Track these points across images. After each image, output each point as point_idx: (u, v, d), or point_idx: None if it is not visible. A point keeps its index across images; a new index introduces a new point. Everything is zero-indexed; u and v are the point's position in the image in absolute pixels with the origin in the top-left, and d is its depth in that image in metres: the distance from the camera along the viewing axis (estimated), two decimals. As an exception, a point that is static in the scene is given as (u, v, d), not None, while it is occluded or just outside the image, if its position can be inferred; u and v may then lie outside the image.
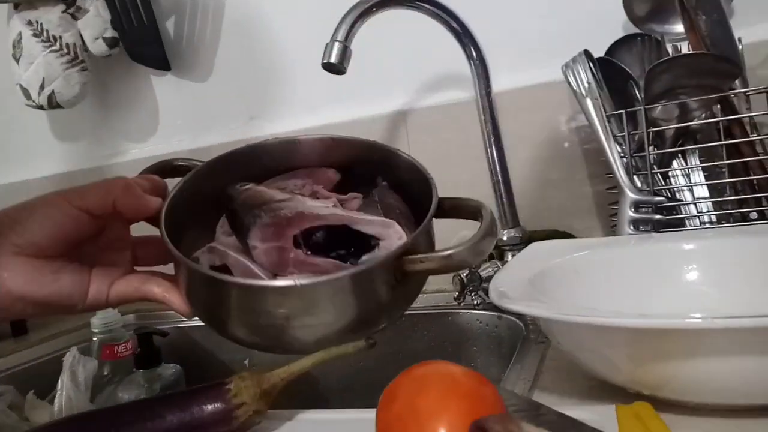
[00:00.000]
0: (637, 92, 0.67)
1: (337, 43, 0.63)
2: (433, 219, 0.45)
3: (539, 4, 0.84)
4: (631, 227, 0.64)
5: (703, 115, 0.65)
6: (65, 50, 1.03)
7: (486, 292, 0.73)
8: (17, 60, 1.06)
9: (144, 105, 1.12)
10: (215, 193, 0.49)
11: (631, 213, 0.64)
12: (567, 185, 0.84)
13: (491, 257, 0.78)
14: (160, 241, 0.47)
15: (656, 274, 0.55)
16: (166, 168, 0.51)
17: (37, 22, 1.04)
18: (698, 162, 0.66)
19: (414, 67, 0.91)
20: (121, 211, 0.44)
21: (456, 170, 0.85)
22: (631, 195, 0.64)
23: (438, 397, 0.33)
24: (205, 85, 1.07)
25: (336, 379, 0.85)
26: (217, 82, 1.06)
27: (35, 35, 1.04)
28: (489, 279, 0.72)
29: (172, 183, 0.49)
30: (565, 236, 0.78)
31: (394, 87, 0.92)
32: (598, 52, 0.71)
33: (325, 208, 0.45)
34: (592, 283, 0.54)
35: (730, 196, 0.64)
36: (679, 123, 0.65)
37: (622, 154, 0.67)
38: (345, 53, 0.63)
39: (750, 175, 0.63)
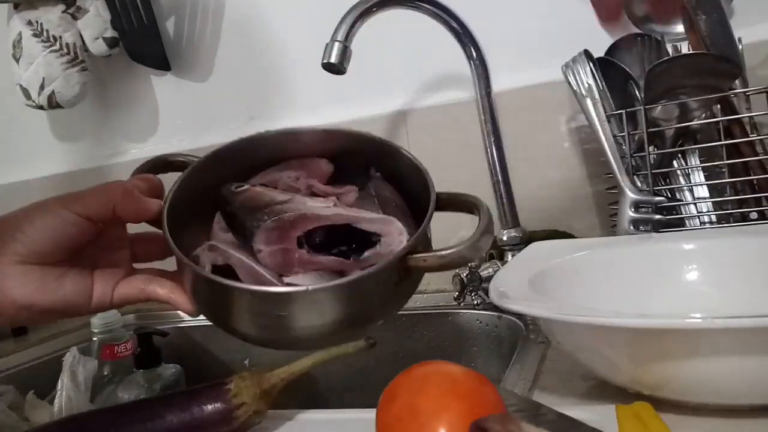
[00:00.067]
0: (637, 92, 0.67)
1: (337, 43, 0.63)
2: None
3: (539, 4, 0.84)
4: (631, 227, 0.64)
5: (703, 115, 0.65)
6: (65, 50, 1.03)
7: (486, 292, 0.73)
8: (17, 60, 1.06)
9: (144, 105, 1.12)
10: (212, 188, 0.49)
11: (631, 213, 0.64)
12: (567, 185, 0.84)
13: (491, 257, 0.78)
14: (157, 237, 0.47)
15: (656, 274, 0.55)
16: (159, 164, 0.51)
17: (37, 22, 1.04)
18: (698, 162, 0.66)
19: (414, 67, 0.91)
20: (121, 216, 0.44)
21: (456, 170, 0.85)
22: (631, 195, 0.64)
23: (438, 397, 0.33)
24: (205, 85, 1.07)
25: (336, 379, 0.85)
26: (217, 82, 1.06)
27: (35, 35, 1.04)
28: (489, 279, 0.72)
29: (166, 179, 0.49)
30: (565, 236, 0.78)
31: (394, 87, 0.92)
32: (598, 52, 0.71)
33: (326, 208, 0.45)
34: (592, 283, 0.54)
35: (730, 196, 0.64)
36: (679, 123, 0.65)
37: (622, 154, 0.67)
38: (345, 53, 0.63)
39: (750, 175, 0.63)
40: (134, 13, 1.02)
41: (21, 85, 1.06)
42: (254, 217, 0.44)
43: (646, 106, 0.64)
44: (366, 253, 0.44)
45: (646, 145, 0.65)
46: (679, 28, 0.69)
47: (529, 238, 0.75)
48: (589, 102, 0.68)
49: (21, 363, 0.85)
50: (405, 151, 0.49)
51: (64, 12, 1.04)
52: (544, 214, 0.84)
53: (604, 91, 0.68)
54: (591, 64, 0.68)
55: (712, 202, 0.64)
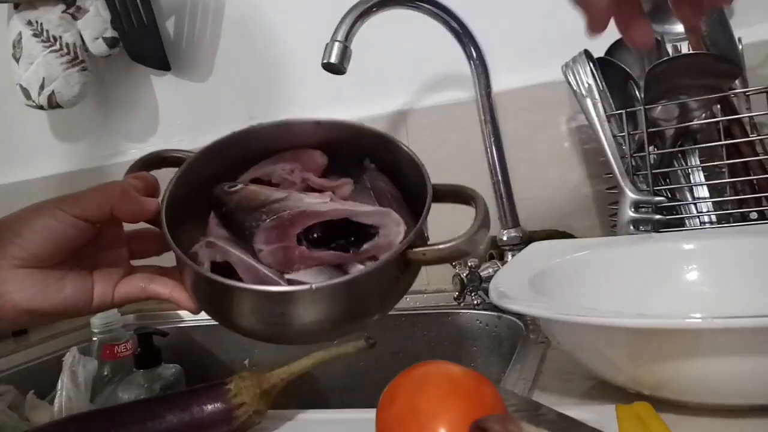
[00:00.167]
0: (637, 92, 0.67)
1: (337, 43, 0.63)
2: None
3: (539, 4, 0.84)
4: (631, 227, 0.64)
5: (703, 115, 0.65)
6: (65, 50, 1.03)
7: (486, 292, 0.73)
8: (17, 60, 1.06)
9: (144, 105, 1.12)
10: (208, 183, 0.49)
11: (631, 213, 0.64)
12: (567, 185, 0.84)
13: (491, 257, 0.78)
14: (153, 233, 0.47)
15: (656, 274, 0.55)
16: (154, 161, 0.51)
17: (37, 22, 1.04)
18: (698, 162, 0.66)
19: (414, 67, 0.91)
20: (119, 217, 0.44)
21: (456, 170, 0.85)
22: (631, 195, 0.64)
23: (438, 397, 0.33)
24: (205, 85, 1.07)
25: (336, 379, 0.85)
26: (217, 82, 1.06)
27: (35, 35, 1.04)
28: (489, 279, 0.72)
29: (161, 175, 0.49)
30: (565, 236, 0.78)
31: (394, 87, 0.92)
32: (598, 52, 0.71)
33: (323, 203, 0.45)
34: (592, 283, 0.54)
35: (730, 196, 0.64)
36: (679, 123, 0.65)
37: (622, 154, 0.67)
38: (345, 53, 0.63)
39: (750, 175, 0.63)
40: (134, 13, 1.02)
41: (21, 85, 1.06)
42: (252, 217, 0.44)
43: (646, 106, 0.64)
44: (365, 246, 0.45)
45: (646, 145, 0.65)
46: (679, 28, 0.69)
47: (529, 238, 0.75)
48: (589, 102, 0.68)
49: (21, 363, 0.85)
50: (400, 143, 0.49)
51: (64, 12, 1.04)
52: (544, 214, 0.84)
53: (604, 91, 0.68)
54: (591, 64, 0.68)
55: (712, 202, 0.64)
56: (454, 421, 0.31)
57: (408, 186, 0.49)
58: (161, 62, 1.05)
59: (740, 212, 0.63)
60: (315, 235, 0.44)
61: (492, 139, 0.77)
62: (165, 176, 0.48)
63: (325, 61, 0.63)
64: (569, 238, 0.77)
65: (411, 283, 0.47)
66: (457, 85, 0.87)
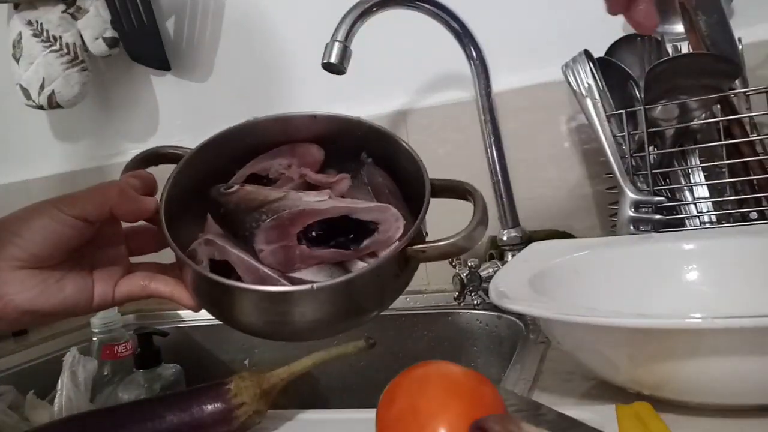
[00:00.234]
0: (637, 92, 0.67)
1: (337, 43, 0.63)
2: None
3: (539, 4, 0.84)
4: (631, 227, 0.64)
5: (703, 115, 0.65)
6: (65, 50, 1.03)
7: (486, 292, 0.73)
8: (17, 60, 1.06)
9: (144, 105, 1.12)
10: (205, 179, 0.49)
11: (631, 213, 0.64)
12: (567, 185, 0.84)
13: (491, 257, 0.78)
14: (151, 230, 0.47)
15: (656, 274, 0.55)
16: (151, 158, 0.51)
17: (37, 22, 1.04)
18: (698, 162, 0.66)
19: (414, 67, 0.91)
20: (118, 216, 0.44)
21: (456, 170, 0.85)
22: (631, 195, 0.64)
23: (438, 397, 0.33)
24: (205, 85, 1.07)
25: (336, 379, 0.85)
26: (217, 82, 1.06)
27: (35, 35, 1.04)
28: (489, 279, 0.72)
29: (159, 172, 0.49)
30: (565, 236, 0.78)
31: (394, 87, 0.92)
32: (598, 52, 0.71)
33: (322, 201, 0.45)
34: (592, 283, 0.54)
35: (730, 196, 0.64)
36: (679, 123, 0.65)
37: (622, 154, 0.67)
38: (345, 53, 0.63)
39: (750, 175, 0.63)
40: (134, 13, 1.02)
41: (21, 85, 1.06)
42: (252, 217, 0.44)
43: (646, 106, 0.64)
44: (365, 242, 0.45)
45: (646, 145, 0.65)
46: (679, 28, 0.69)
47: (529, 238, 0.75)
48: (589, 102, 0.68)
49: (21, 363, 0.85)
50: (398, 138, 0.49)
51: (64, 12, 1.04)
52: (544, 214, 0.84)
53: (604, 91, 0.68)
54: (591, 64, 0.68)
55: (712, 202, 0.64)
56: (454, 421, 0.31)
57: (406, 179, 0.49)
58: (161, 62, 1.05)
59: (740, 212, 0.63)
60: (314, 234, 0.44)
61: (492, 139, 0.77)
62: (163, 173, 0.48)
63: (325, 61, 0.63)
64: (569, 238, 0.77)
65: (410, 279, 0.47)
66: (457, 85, 0.87)
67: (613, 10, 0.42)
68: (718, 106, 0.64)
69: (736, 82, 0.64)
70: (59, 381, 0.66)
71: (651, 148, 0.66)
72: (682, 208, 0.65)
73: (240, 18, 1.03)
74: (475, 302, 0.75)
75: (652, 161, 0.66)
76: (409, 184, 0.49)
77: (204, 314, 0.47)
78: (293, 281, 0.44)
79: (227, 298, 0.44)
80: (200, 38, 1.05)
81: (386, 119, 0.92)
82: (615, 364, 0.42)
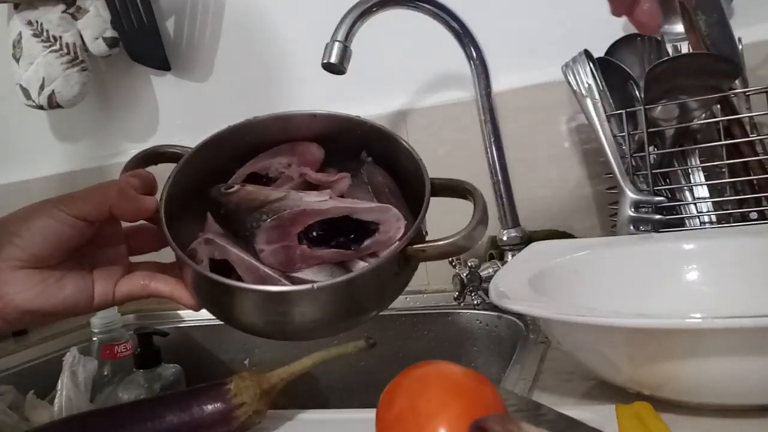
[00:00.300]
0: (637, 92, 0.67)
1: (337, 43, 0.63)
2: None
3: (539, 4, 0.84)
4: (631, 227, 0.64)
5: (703, 115, 0.65)
6: (65, 50, 1.03)
7: (486, 292, 0.73)
8: (17, 60, 1.06)
9: (144, 105, 1.12)
10: (206, 178, 0.49)
11: (631, 213, 0.64)
12: (567, 185, 0.84)
13: (491, 257, 0.78)
14: (150, 230, 0.47)
15: (656, 274, 0.55)
16: (150, 157, 0.51)
17: (37, 22, 1.04)
18: (698, 162, 0.66)
19: (414, 67, 0.91)
20: (117, 216, 0.44)
21: (456, 170, 0.85)
22: (631, 195, 0.64)
23: (438, 397, 0.33)
24: (205, 85, 1.07)
25: (336, 379, 0.85)
26: (217, 82, 1.06)
27: (35, 35, 1.04)
28: (489, 279, 0.72)
29: (158, 171, 0.49)
30: (565, 236, 0.78)
31: (394, 87, 0.92)
32: (598, 52, 0.71)
33: (323, 201, 0.45)
34: (592, 283, 0.54)
35: (730, 196, 0.64)
36: (679, 123, 0.65)
37: (622, 154, 0.67)
38: (345, 53, 0.63)
39: (750, 175, 0.63)
40: (134, 13, 1.02)
41: (21, 85, 1.07)
42: (252, 217, 0.44)
43: (646, 106, 0.64)
44: (366, 242, 0.45)
45: (646, 145, 0.65)
46: (679, 28, 0.69)
47: (529, 238, 0.75)
48: (589, 102, 0.68)
49: (21, 363, 0.85)
50: (397, 136, 0.49)
51: (64, 12, 1.04)
52: (544, 214, 0.84)
53: (604, 91, 0.68)
54: (591, 64, 0.68)
55: (712, 202, 0.64)
56: (454, 421, 0.31)
57: (406, 179, 0.49)
58: (161, 62, 1.05)
59: (740, 212, 0.63)
60: (315, 234, 0.44)
61: (492, 139, 0.77)
62: (162, 172, 0.48)
63: (325, 61, 0.63)
64: (569, 238, 0.77)
65: (410, 278, 0.47)
66: (457, 85, 0.87)
67: (617, 11, 0.42)
68: (718, 106, 0.64)
69: (736, 82, 0.64)
70: (59, 381, 0.66)
71: (651, 148, 0.66)
72: (682, 208, 0.65)
73: (240, 18, 1.03)
74: (475, 302, 0.74)
75: (652, 161, 0.66)
76: (409, 183, 0.49)
77: (204, 314, 0.47)
78: (293, 281, 0.44)
79: (227, 298, 0.44)
80: (200, 38, 1.05)
81: (386, 119, 0.92)
82: (615, 364, 0.42)
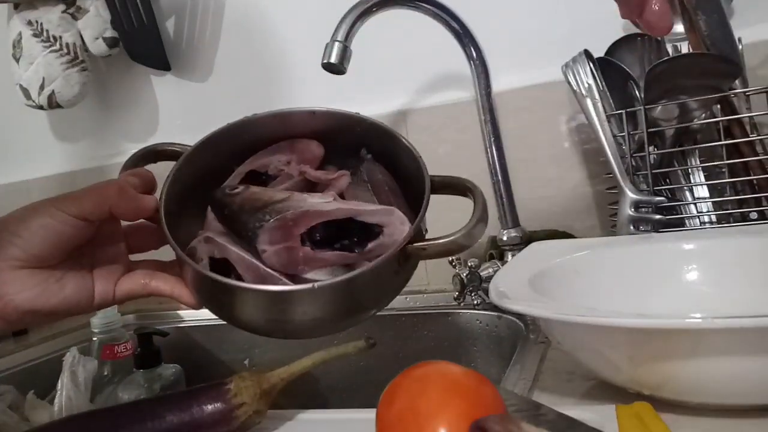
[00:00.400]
0: (637, 92, 0.67)
1: (337, 43, 0.63)
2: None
3: (539, 4, 0.84)
4: (631, 227, 0.64)
5: (703, 115, 0.65)
6: (65, 50, 1.03)
7: (486, 292, 0.73)
8: (17, 60, 1.06)
9: (144, 105, 1.12)
10: (206, 176, 0.49)
11: (631, 213, 0.64)
12: (567, 185, 0.84)
13: (491, 257, 0.78)
14: (151, 228, 0.47)
15: (656, 274, 0.55)
16: (149, 156, 0.51)
17: (37, 22, 1.04)
18: (698, 162, 0.66)
19: (414, 67, 0.91)
20: (117, 215, 0.44)
21: (456, 170, 0.85)
22: (631, 195, 0.64)
23: (438, 397, 0.33)
24: (205, 85, 1.07)
25: (336, 379, 0.85)
26: (217, 82, 1.06)
27: (35, 35, 1.04)
28: (489, 279, 0.72)
29: (158, 170, 0.49)
30: (565, 236, 0.78)
31: (394, 87, 0.92)
32: (598, 52, 0.71)
33: (327, 203, 0.45)
34: (592, 283, 0.54)
35: (730, 196, 0.64)
36: (679, 123, 0.65)
37: (622, 154, 0.67)
38: (345, 53, 0.63)
39: (750, 175, 0.63)
40: (134, 13, 1.02)
41: (21, 85, 1.06)
42: (255, 217, 0.44)
43: (646, 106, 0.64)
44: (370, 245, 0.45)
45: (646, 145, 0.65)
46: (679, 28, 0.69)
47: (529, 238, 0.75)
48: (589, 102, 0.68)
49: (21, 363, 0.85)
50: (397, 134, 0.49)
51: (64, 12, 1.04)
52: (544, 214, 0.84)
53: (604, 91, 0.68)
54: (591, 64, 0.68)
55: (712, 202, 0.64)
56: (454, 421, 0.31)
57: (406, 176, 0.49)
58: (161, 62, 1.05)
59: (740, 212, 0.63)
60: (318, 236, 0.44)
61: (492, 139, 0.77)
62: (162, 171, 0.48)
63: (325, 61, 0.63)
64: (569, 238, 0.77)
65: (410, 276, 0.47)
66: (457, 85, 0.87)
67: (626, 15, 0.42)
68: (718, 106, 0.64)
69: (736, 82, 0.64)
70: (59, 381, 0.66)
71: (651, 148, 0.66)
72: (682, 208, 0.65)
73: (240, 18, 1.03)
74: (475, 302, 0.74)
75: (652, 161, 0.66)
76: (409, 181, 0.49)
77: (204, 314, 0.47)
78: (293, 279, 0.44)
79: (227, 297, 0.44)
80: (200, 38, 1.05)
81: (386, 119, 0.92)
82: (615, 364, 0.42)
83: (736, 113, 0.63)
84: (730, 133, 0.64)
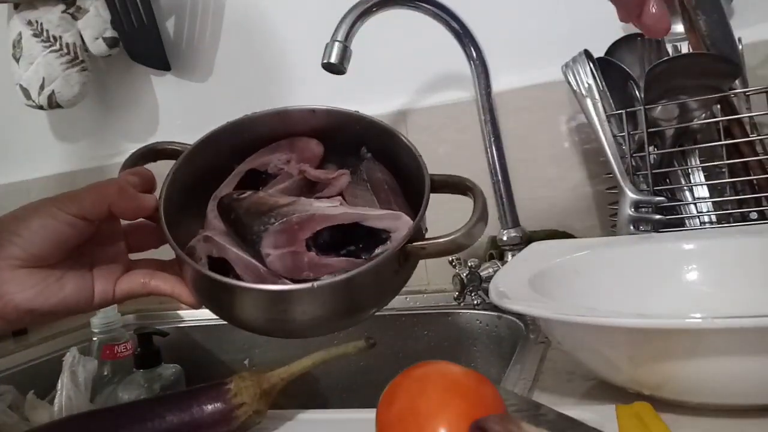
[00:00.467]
0: (637, 92, 0.67)
1: (337, 43, 0.63)
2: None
3: (539, 4, 0.84)
4: (631, 227, 0.64)
5: (703, 115, 0.65)
6: (65, 50, 1.03)
7: (486, 292, 0.73)
8: (17, 60, 1.06)
9: (144, 105, 1.12)
10: (205, 175, 0.49)
11: (631, 213, 0.64)
12: (567, 185, 0.84)
13: (491, 257, 0.78)
14: (149, 226, 0.47)
15: (656, 274, 0.55)
16: (149, 154, 0.51)
17: (37, 22, 1.04)
18: (698, 162, 0.66)
19: (414, 67, 0.91)
20: (117, 214, 0.44)
21: (456, 170, 0.85)
22: (631, 195, 0.64)
23: (438, 397, 0.33)
24: (205, 85, 1.07)
25: (336, 379, 0.85)
26: (217, 82, 1.06)
27: (35, 35, 1.04)
28: (489, 279, 0.72)
29: (156, 168, 0.49)
30: (565, 236, 0.78)
31: (394, 87, 0.92)
32: (598, 52, 0.71)
33: (333, 207, 0.45)
34: (592, 283, 0.54)
35: (730, 196, 0.64)
36: (679, 123, 0.65)
37: (622, 154, 0.67)
38: (345, 53, 0.63)
39: (750, 175, 0.63)
40: (134, 13, 1.02)
41: (21, 85, 1.06)
42: (260, 221, 0.43)
43: (646, 106, 0.64)
44: (377, 251, 0.44)
45: (646, 145, 0.65)
46: (679, 28, 0.69)
47: (529, 238, 0.75)
48: (589, 102, 0.68)
49: (21, 363, 0.85)
50: (397, 132, 0.49)
51: (64, 12, 1.04)
52: (544, 214, 0.84)
53: (604, 91, 0.68)
54: (591, 64, 0.68)
55: (712, 202, 0.64)
56: (454, 421, 0.31)
57: (406, 175, 0.49)
58: (161, 62, 1.05)
59: (740, 212, 0.63)
60: (322, 241, 0.44)
61: (492, 139, 0.77)
62: (161, 170, 0.48)
63: (325, 61, 0.63)
64: (569, 238, 0.77)
65: (409, 276, 0.47)
66: (457, 85, 0.87)
67: (624, 18, 0.42)
68: (718, 106, 0.64)
69: (736, 82, 0.64)
70: (59, 381, 0.66)
71: (651, 148, 0.66)
72: (682, 208, 0.65)
73: (240, 18, 1.03)
74: (475, 302, 0.74)
75: (652, 161, 0.66)
76: (408, 179, 0.48)
77: (204, 314, 0.47)
78: (292, 278, 0.43)
79: (227, 296, 0.44)
80: (200, 38, 1.05)
81: (386, 119, 0.90)
82: (615, 364, 0.42)
83: (736, 113, 0.64)
84: (730, 133, 0.64)
